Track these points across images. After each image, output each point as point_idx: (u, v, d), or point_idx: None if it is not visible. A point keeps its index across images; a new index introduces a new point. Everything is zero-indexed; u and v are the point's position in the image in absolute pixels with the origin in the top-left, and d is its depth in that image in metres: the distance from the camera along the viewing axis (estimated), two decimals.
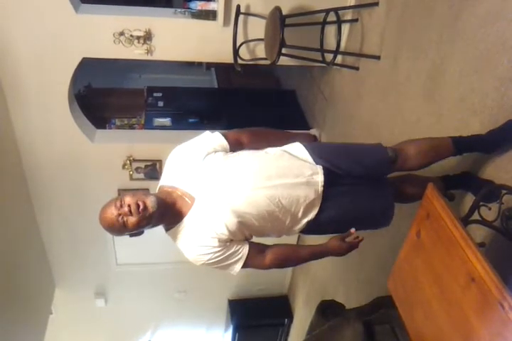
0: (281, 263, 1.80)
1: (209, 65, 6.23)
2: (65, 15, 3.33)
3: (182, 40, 3.61)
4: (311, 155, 1.79)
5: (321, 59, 3.32)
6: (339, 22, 3.29)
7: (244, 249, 1.72)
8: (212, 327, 6.50)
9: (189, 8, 3.55)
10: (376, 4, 3.17)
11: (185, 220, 1.69)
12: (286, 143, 1.85)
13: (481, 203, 1.67)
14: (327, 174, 1.76)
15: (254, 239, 1.81)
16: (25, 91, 3.66)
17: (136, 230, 1.63)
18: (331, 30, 3.50)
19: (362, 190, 1.88)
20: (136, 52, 3.55)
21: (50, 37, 3.43)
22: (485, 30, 2.12)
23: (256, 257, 1.75)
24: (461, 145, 1.93)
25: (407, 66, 2.82)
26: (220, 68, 5.94)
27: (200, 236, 1.67)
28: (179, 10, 3.58)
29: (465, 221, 1.61)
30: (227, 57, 3.53)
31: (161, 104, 5.01)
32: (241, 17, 3.39)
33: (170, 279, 5.63)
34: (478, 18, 2.17)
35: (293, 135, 1.94)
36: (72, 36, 3.45)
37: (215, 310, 6.16)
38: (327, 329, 2.50)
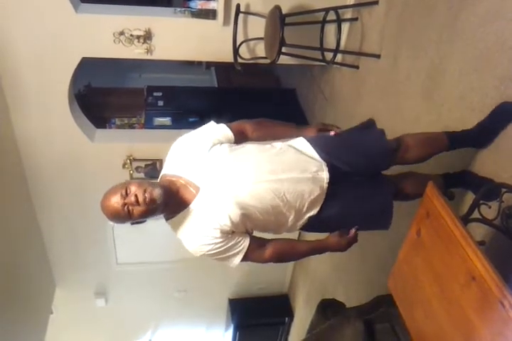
0: (281, 257, 1.81)
1: (209, 64, 6.22)
2: (64, 14, 3.33)
3: (182, 40, 3.61)
4: (315, 150, 1.80)
5: (321, 58, 3.32)
6: (339, 21, 3.29)
7: (245, 242, 1.72)
8: (213, 326, 6.51)
9: (189, 8, 3.55)
10: (376, 3, 3.17)
11: (189, 209, 1.68)
12: (290, 137, 1.85)
13: (481, 201, 1.67)
14: (331, 170, 1.77)
15: (255, 234, 1.81)
16: (25, 90, 3.66)
17: (141, 219, 1.63)
18: (330, 29, 3.50)
19: (363, 188, 1.89)
20: (136, 52, 3.54)
21: (50, 36, 3.42)
22: (484, 30, 2.12)
23: (256, 251, 1.75)
24: (454, 139, 2.03)
25: (406, 65, 2.83)
26: (220, 67, 5.93)
27: (202, 227, 1.67)
28: (179, 9, 3.57)
29: (465, 219, 1.61)
30: (227, 57, 3.53)
31: (161, 103, 5.00)
32: (241, 16, 3.38)
33: (170, 278, 5.64)
34: (477, 18, 2.17)
35: (297, 129, 1.93)
36: (72, 36, 3.45)
37: (216, 309, 6.16)
38: (327, 328, 2.50)
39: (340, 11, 3.29)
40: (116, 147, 4.23)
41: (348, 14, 3.55)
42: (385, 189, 1.95)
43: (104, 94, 5.15)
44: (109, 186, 1.66)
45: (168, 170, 1.75)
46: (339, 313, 2.60)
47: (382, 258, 3.16)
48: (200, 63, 6.21)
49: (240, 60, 3.52)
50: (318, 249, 1.84)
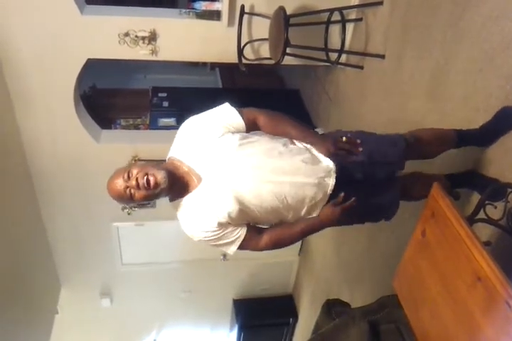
0: (278, 244, 1.77)
1: (213, 65, 6.23)
2: (70, 16, 3.34)
3: (186, 41, 3.62)
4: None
5: (325, 58, 3.33)
6: (343, 21, 3.30)
7: (242, 231, 1.72)
8: (218, 326, 6.51)
9: (193, 9, 3.56)
10: (380, 3, 3.17)
11: (189, 197, 1.69)
12: (301, 140, 1.77)
13: (487, 202, 1.67)
14: (339, 172, 1.72)
15: None
16: (30, 92, 3.68)
17: (144, 202, 1.63)
18: (335, 30, 3.50)
19: (370, 190, 1.86)
20: (141, 53, 3.56)
21: (55, 38, 3.44)
22: (489, 30, 2.12)
23: (252, 239, 1.75)
24: (461, 136, 2.05)
25: (411, 65, 2.82)
26: (225, 68, 5.94)
27: (201, 215, 1.67)
28: (184, 10, 3.58)
29: (471, 220, 1.61)
30: (232, 57, 3.54)
31: (165, 104, 5.01)
32: (245, 17, 3.39)
33: (175, 279, 5.65)
34: (482, 17, 2.16)
35: (312, 138, 1.78)
36: (77, 37, 3.46)
37: (220, 310, 6.17)
38: (332, 328, 2.49)
39: (344, 11, 3.30)
40: (121, 148, 4.23)
41: (353, 15, 3.55)
42: (392, 190, 1.94)
43: (110, 95, 5.16)
44: None
45: (175, 152, 1.73)
46: (344, 313, 2.59)
47: (388, 258, 3.16)
48: (204, 64, 6.22)
49: (244, 61, 3.52)
50: (313, 225, 1.76)
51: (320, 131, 1.89)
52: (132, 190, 1.58)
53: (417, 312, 1.66)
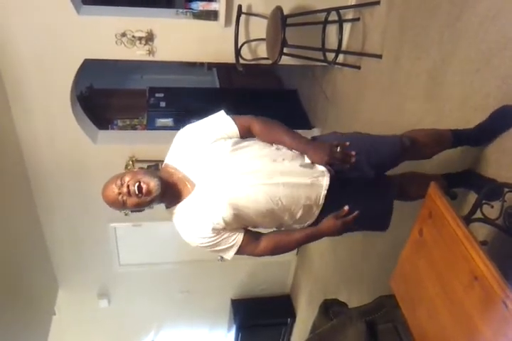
0: (275, 250, 1.77)
1: (210, 65, 6.23)
2: (66, 16, 3.34)
3: (184, 41, 3.62)
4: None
5: (322, 58, 3.33)
6: (341, 21, 3.30)
7: (239, 236, 1.72)
8: (215, 326, 6.51)
9: (191, 9, 3.56)
10: (377, 3, 3.17)
11: (182, 205, 1.69)
12: (294, 148, 1.75)
13: (484, 201, 1.67)
14: (333, 175, 1.72)
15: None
16: (27, 92, 3.67)
17: (137, 209, 1.65)
18: (332, 30, 3.50)
19: (364, 195, 1.85)
20: (138, 53, 3.55)
21: (52, 38, 3.43)
22: (486, 30, 2.12)
23: (250, 244, 1.74)
24: (457, 136, 2.05)
25: (408, 65, 2.82)
26: (222, 68, 5.94)
27: (195, 222, 1.68)
28: (181, 10, 3.58)
29: (467, 219, 1.61)
30: (229, 57, 3.53)
31: (163, 104, 5.01)
32: (242, 17, 3.39)
33: (173, 279, 5.64)
34: (479, 18, 2.17)
35: (304, 147, 1.76)
36: (74, 37, 3.46)
37: (218, 310, 6.17)
38: (330, 328, 2.49)
39: (341, 11, 3.30)
40: (118, 148, 4.23)
41: (350, 15, 3.55)
42: (388, 195, 1.93)
43: (107, 96, 5.16)
44: None
45: (170, 159, 1.75)
46: (341, 313, 2.59)
47: (385, 258, 3.16)
48: (201, 64, 6.22)
49: (241, 61, 3.52)
50: (314, 235, 1.77)
51: (316, 131, 1.89)
52: (124, 197, 1.58)
53: (415, 312, 1.66)
